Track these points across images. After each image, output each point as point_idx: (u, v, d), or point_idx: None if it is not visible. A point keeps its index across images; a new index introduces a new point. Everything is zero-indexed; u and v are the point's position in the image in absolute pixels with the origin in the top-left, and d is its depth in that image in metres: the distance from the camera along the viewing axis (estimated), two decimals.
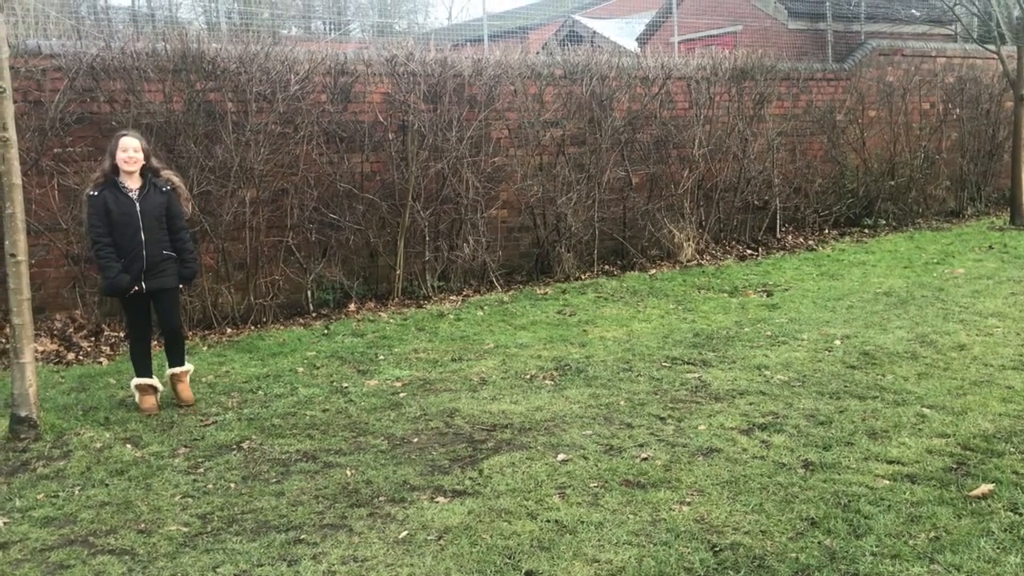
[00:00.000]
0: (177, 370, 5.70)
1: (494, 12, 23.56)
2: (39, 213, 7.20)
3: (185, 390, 5.68)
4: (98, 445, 4.93)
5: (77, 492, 4.32)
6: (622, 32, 19.88)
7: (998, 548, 3.41)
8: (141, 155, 5.49)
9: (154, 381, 5.64)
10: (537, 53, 10.76)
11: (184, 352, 5.80)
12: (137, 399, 5.58)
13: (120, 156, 5.43)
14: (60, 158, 7.29)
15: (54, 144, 7.26)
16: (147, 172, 5.58)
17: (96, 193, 5.42)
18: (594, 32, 19.99)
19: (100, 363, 6.75)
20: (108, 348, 7.15)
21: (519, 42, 13.82)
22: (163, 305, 5.64)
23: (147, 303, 5.61)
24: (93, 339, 7.31)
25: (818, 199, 11.98)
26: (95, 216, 5.41)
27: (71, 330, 7.35)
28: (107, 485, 4.40)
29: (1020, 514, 3.69)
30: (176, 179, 5.80)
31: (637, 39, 18.49)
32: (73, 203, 7.30)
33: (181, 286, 5.84)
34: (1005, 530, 3.56)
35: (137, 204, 5.45)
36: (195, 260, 5.93)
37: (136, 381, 5.59)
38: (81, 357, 6.94)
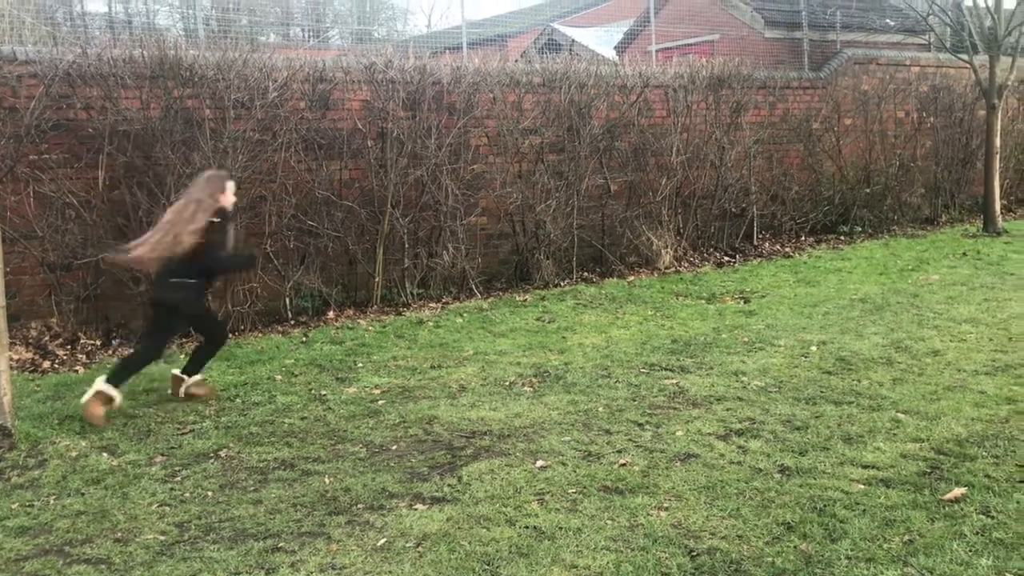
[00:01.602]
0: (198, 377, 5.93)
1: (473, 20, 23.60)
2: (14, 220, 7.14)
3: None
4: (74, 454, 4.90)
5: (52, 501, 4.29)
6: (600, 40, 19.99)
7: (970, 551, 3.46)
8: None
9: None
10: (516, 61, 10.81)
11: None
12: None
13: (230, 199, 5.79)
14: (36, 165, 7.23)
15: (29, 151, 7.20)
16: None
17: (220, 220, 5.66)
18: (573, 40, 20.08)
19: (76, 371, 6.70)
20: (84, 356, 7.09)
21: (498, 50, 13.86)
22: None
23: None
24: (69, 347, 7.25)
25: (795, 206, 12.08)
26: (223, 235, 5.74)
27: (47, 338, 7.29)
28: (83, 494, 4.36)
29: (992, 517, 3.74)
30: None
31: (615, 47, 18.59)
32: (49, 210, 7.25)
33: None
34: (977, 533, 3.60)
35: None
36: None
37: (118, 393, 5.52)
38: (57, 365, 6.89)
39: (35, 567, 3.63)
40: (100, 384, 5.44)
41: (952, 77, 13.74)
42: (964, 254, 10.74)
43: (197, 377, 5.89)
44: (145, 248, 5.61)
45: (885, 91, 12.99)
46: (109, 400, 5.45)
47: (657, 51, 14.93)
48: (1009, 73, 12.27)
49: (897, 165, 12.96)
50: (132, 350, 6.57)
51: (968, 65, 12.39)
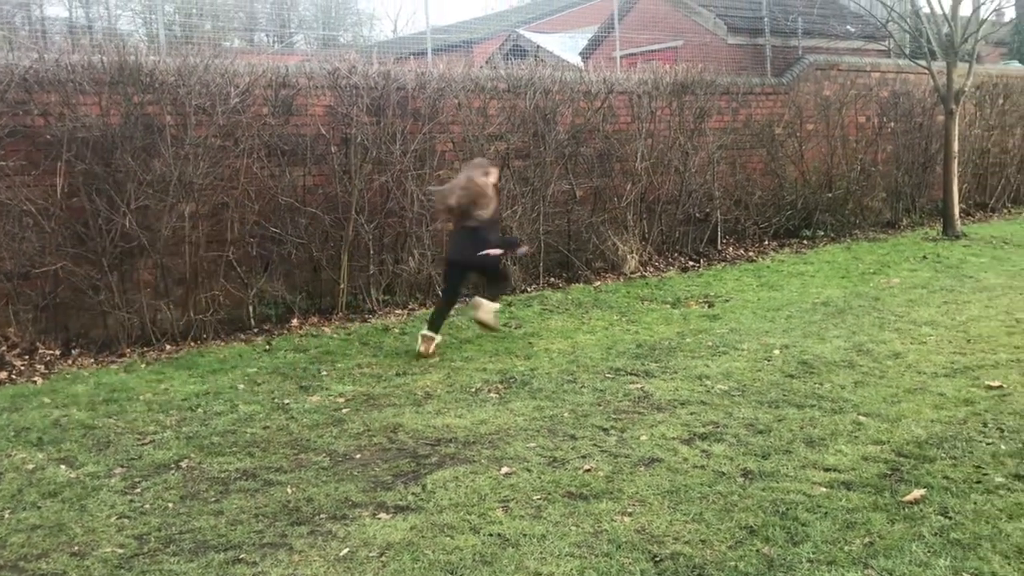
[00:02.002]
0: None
1: (438, 26, 23.57)
2: None
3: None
4: (30, 466, 4.81)
5: (7, 516, 4.20)
6: (565, 47, 20.07)
7: (929, 552, 3.50)
8: None
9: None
10: (481, 67, 10.81)
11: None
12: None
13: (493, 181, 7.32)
14: None
15: None
16: None
17: None
18: (538, 46, 20.14)
19: (34, 382, 6.58)
20: (43, 367, 6.97)
21: (463, 56, 13.87)
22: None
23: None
24: (27, 357, 7.12)
25: (758, 211, 12.19)
26: None
27: (3, 348, 7.15)
28: (39, 507, 4.29)
29: (950, 518, 3.79)
30: None
31: (580, 53, 18.68)
32: (5, 218, 7.12)
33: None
34: (936, 534, 3.65)
35: None
36: None
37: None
38: (14, 376, 6.76)
39: None
40: (423, 332, 7.04)
41: (912, 83, 13.96)
42: (924, 257, 10.90)
43: (496, 306, 7.38)
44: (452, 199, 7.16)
45: (846, 96, 13.16)
46: (430, 340, 6.99)
47: (622, 57, 15.01)
48: (966, 79, 12.49)
49: (858, 170, 13.13)
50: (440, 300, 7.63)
51: (927, 71, 12.59)
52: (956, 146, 12.65)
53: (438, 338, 7.08)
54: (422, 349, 6.98)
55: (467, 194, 7.06)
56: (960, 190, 13.28)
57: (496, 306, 7.41)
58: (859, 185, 13.18)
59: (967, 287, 8.98)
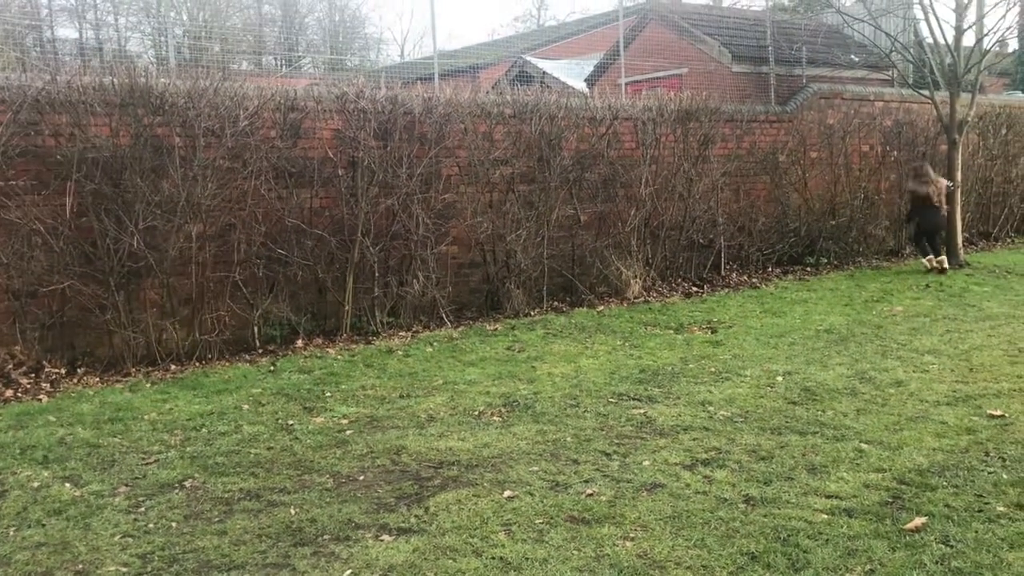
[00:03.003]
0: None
1: (445, 50, 23.77)
2: None
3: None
4: (36, 484, 4.83)
5: (12, 533, 4.22)
6: (571, 73, 20.20)
7: None
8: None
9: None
10: (487, 92, 10.90)
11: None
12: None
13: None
14: (2, 191, 7.17)
15: None
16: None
17: None
18: (544, 72, 20.29)
19: (39, 400, 6.61)
20: (48, 385, 7.01)
21: (470, 81, 13.99)
22: None
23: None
24: (33, 376, 7.16)
25: (762, 238, 12.24)
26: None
27: (10, 367, 7.19)
28: (44, 525, 4.31)
29: (951, 546, 3.80)
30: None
31: (586, 80, 18.81)
32: (14, 237, 7.19)
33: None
34: (936, 562, 3.66)
35: None
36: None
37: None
38: (20, 394, 6.80)
39: None
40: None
41: (915, 112, 14.05)
42: (927, 286, 10.93)
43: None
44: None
45: (850, 125, 13.25)
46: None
47: (627, 84, 15.13)
48: (969, 109, 12.57)
49: (862, 198, 13.19)
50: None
51: (930, 101, 12.67)
52: (959, 175, 12.71)
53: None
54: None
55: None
56: (963, 219, 13.33)
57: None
58: (862, 213, 13.24)
59: (970, 316, 9.00)
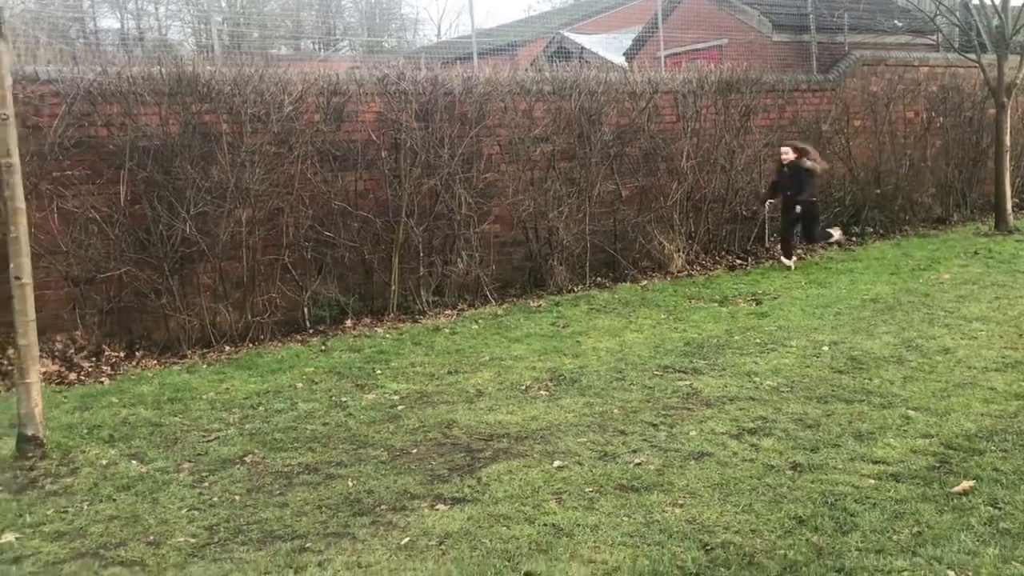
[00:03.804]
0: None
1: (483, 29, 23.75)
2: (39, 236, 7.29)
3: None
4: (104, 462, 5.04)
5: (86, 507, 4.43)
6: (609, 47, 20.10)
7: (978, 541, 3.55)
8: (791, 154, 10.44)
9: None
10: (526, 69, 10.93)
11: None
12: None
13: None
14: (59, 182, 7.41)
15: (53, 168, 7.38)
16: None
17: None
18: (582, 48, 20.20)
19: (102, 383, 6.86)
20: (109, 368, 7.25)
21: (508, 59, 14.01)
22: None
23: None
24: (94, 359, 7.41)
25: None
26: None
27: (72, 351, 7.46)
28: (114, 500, 4.51)
29: (999, 508, 3.83)
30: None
31: (624, 54, 18.71)
32: (72, 226, 7.42)
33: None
34: (984, 524, 3.70)
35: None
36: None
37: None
38: (83, 377, 7.05)
39: (72, 569, 3.77)
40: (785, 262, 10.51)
41: (961, 76, 13.79)
42: (976, 253, 10.79)
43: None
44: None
45: (894, 92, 13.05)
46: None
47: (666, 56, 15.04)
48: (1018, 71, 12.32)
49: (907, 165, 13.02)
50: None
51: (977, 64, 12.45)
52: (1008, 140, 12.48)
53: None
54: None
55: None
56: (1013, 184, 13.09)
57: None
58: (908, 181, 13.07)
59: (1019, 282, 8.89)
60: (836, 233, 11.13)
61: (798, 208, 10.39)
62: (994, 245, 11.27)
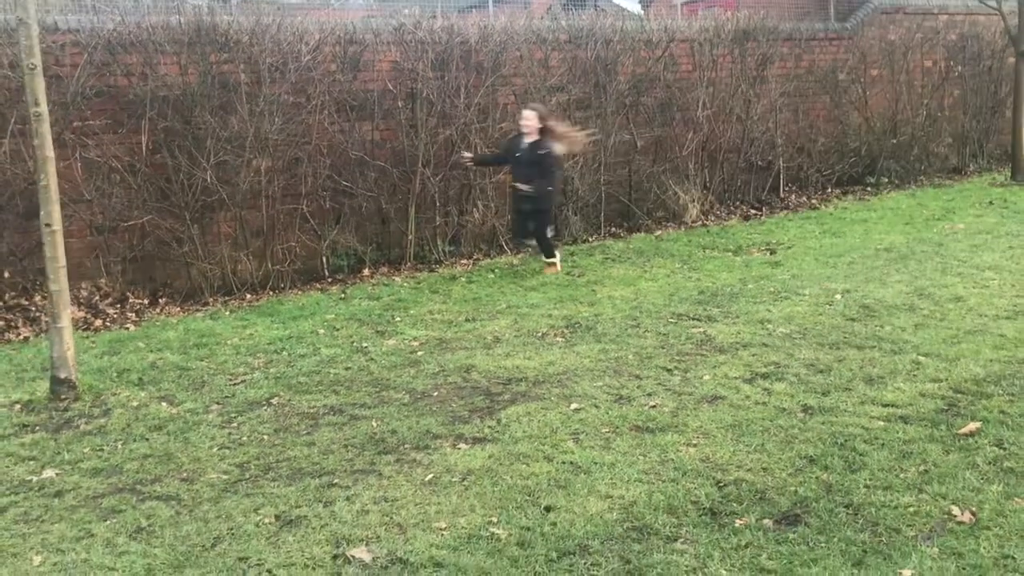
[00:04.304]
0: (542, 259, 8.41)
1: None
2: (63, 185, 7.30)
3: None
4: (135, 404, 5.21)
5: (120, 446, 4.60)
6: None
7: (982, 479, 3.68)
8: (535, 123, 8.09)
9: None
10: (542, 18, 10.89)
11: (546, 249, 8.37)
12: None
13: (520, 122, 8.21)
14: (81, 131, 7.50)
15: (75, 118, 7.46)
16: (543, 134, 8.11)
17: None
18: None
19: (127, 328, 7.02)
20: (134, 315, 7.41)
21: (524, 7, 13.88)
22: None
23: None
24: (119, 306, 7.57)
25: (821, 158, 12.14)
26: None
27: (96, 298, 7.62)
28: (147, 439, 4.68)
29: (1004, 449, 3.95)
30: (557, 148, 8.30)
31: (640, 2, 18.52)
32: (95, 175, 7.53)
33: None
34: (989, 463, 3.82)
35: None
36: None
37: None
38: (108, 324, 7.21)
39: (111, 503, 3.94)
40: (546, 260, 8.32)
41: (981, 25, 13.64)
42: (991, 203, 10.80)
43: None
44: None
45: (912, 41, 12.93)
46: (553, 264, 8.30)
47: (682, 4, 14.89)
48: None
49: (924, 115, 12.95)
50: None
51: (997, 12, 12.31)
52: None
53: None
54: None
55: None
56: None
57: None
58: (924, 131, 13.01)
59: None
60: (557, 255, 8.44)
61: (532, 197, 8.08)
62: (1010, 195, 11.26)
